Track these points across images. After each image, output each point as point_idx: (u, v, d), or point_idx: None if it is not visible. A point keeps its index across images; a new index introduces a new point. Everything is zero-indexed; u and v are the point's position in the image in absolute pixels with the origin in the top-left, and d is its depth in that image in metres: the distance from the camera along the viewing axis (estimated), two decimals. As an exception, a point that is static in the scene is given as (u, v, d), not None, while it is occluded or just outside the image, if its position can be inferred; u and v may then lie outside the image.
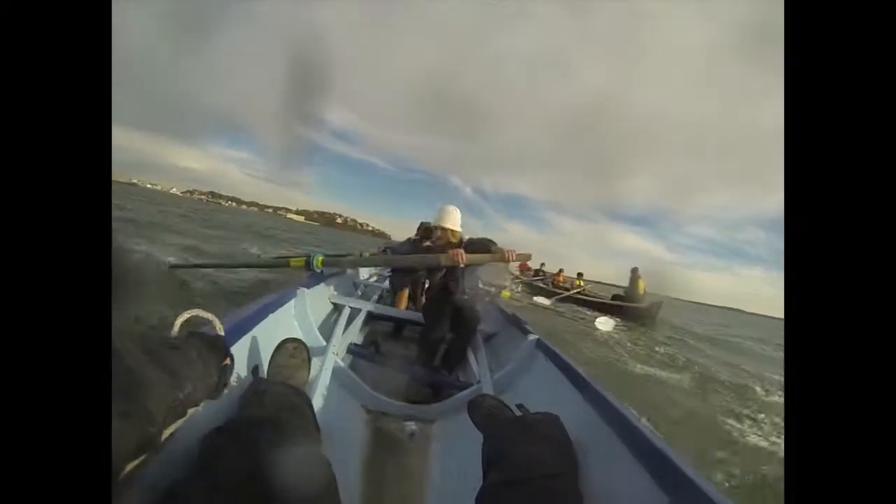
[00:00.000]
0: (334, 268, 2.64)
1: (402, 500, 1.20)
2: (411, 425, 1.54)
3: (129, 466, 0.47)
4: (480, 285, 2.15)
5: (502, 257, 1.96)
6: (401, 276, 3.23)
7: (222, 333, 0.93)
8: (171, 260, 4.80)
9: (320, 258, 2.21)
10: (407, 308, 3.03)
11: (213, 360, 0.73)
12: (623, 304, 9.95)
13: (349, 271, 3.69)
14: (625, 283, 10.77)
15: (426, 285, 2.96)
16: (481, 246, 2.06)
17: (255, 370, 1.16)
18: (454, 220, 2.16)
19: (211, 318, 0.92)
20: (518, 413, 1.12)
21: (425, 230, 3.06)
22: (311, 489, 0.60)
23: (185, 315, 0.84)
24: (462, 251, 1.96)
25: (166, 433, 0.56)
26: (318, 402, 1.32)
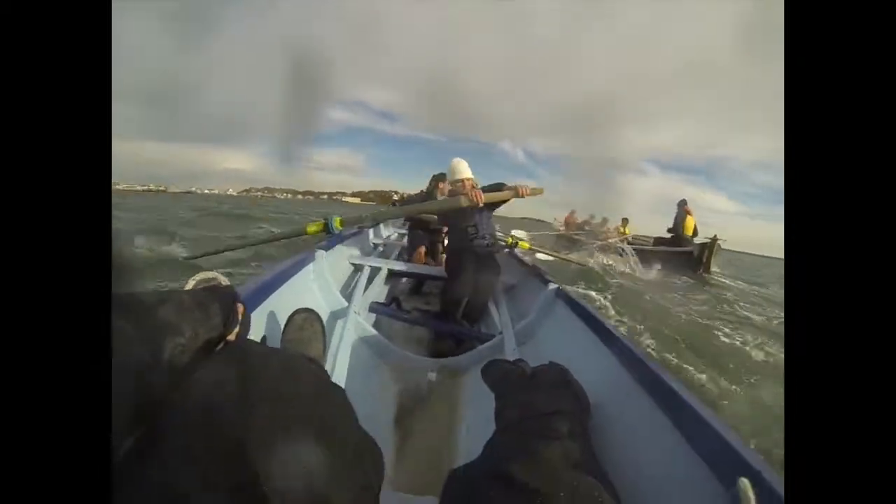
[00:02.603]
0: (354, 226, 2.57)
1: (431, 452, 1.27)
2: (432, 374, 1.60)
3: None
4: (498, 233, 2.14)
5: (516, 193, 2.05)
6: (419, 232, 3.25)
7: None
8: (183, 253, 4.96)
9: (338, 219, 2.18)
10: (425, 263, 3.06)
11: (211, 303, 0.67)
12: (667, 250, 8.23)
13: (367, 231, 3.68)
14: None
15: (445, 241, 2.98)
16: (495, 187, 2.14)
17: (262, 341, 1.09)
18: (467, 170, 2.22)
19: (214, 276, 0.84)
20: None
21: (439, 182, 3.07)
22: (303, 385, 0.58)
23: (192, 281, 0.78)
24: (479, 190, 2.04)
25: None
26: (342, 361, 1.33)
